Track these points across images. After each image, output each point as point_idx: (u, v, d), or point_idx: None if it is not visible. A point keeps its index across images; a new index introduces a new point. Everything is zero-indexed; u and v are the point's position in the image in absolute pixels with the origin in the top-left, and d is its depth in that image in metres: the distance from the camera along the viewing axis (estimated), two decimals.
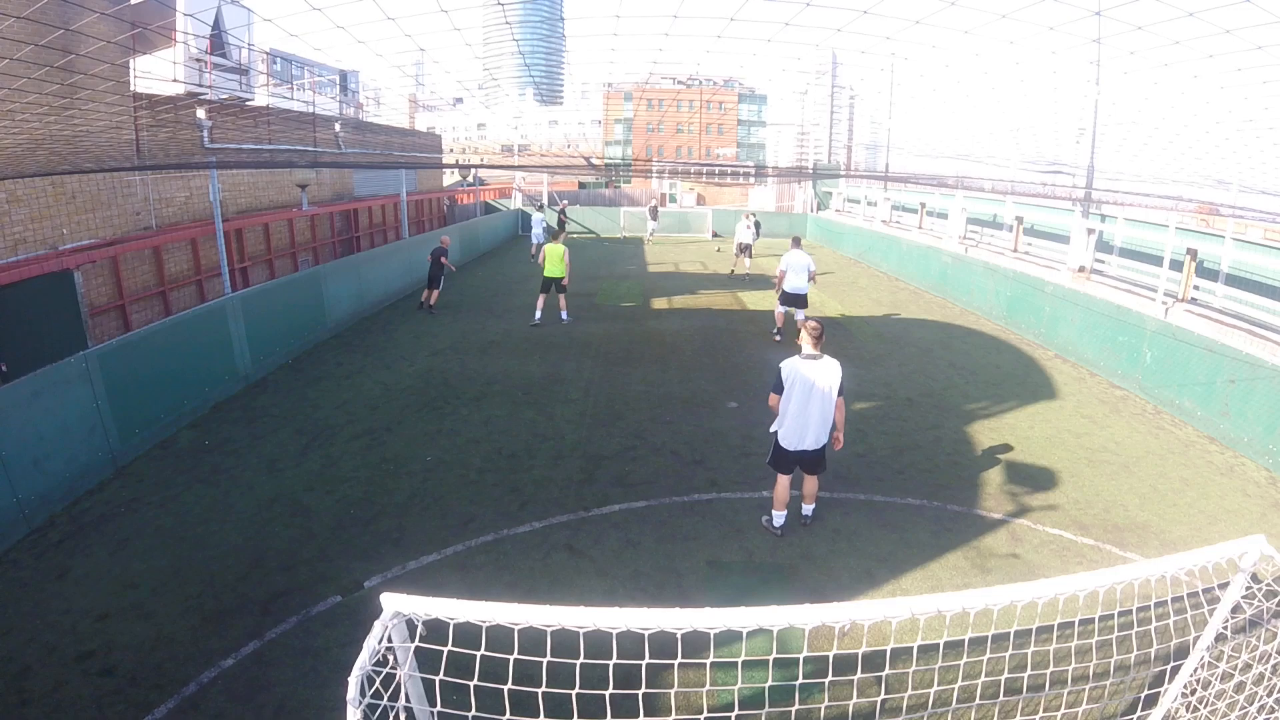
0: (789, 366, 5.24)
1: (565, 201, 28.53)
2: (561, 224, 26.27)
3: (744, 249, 18.57)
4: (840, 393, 5.31)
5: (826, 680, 2.87)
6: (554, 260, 12.51)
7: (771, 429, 5.47)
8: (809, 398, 5.20)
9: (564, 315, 13.01)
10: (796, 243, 11.48)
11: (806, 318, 5.26)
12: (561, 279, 12.61)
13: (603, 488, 6.44)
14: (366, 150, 20.03)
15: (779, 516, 5.64)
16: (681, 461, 7.01)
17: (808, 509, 5.76)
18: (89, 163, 9.64)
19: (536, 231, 21.92)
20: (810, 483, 5.65)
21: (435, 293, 14.01)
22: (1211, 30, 6.12)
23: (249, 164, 13.69)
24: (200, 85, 13.36)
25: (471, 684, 2.18)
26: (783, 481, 5.56)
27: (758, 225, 18.96)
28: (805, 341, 5.26)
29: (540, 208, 27.44)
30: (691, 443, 7.46)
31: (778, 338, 11.61)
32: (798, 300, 11.07)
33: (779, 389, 5.27)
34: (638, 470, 6.80)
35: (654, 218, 27.14)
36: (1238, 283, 9.72)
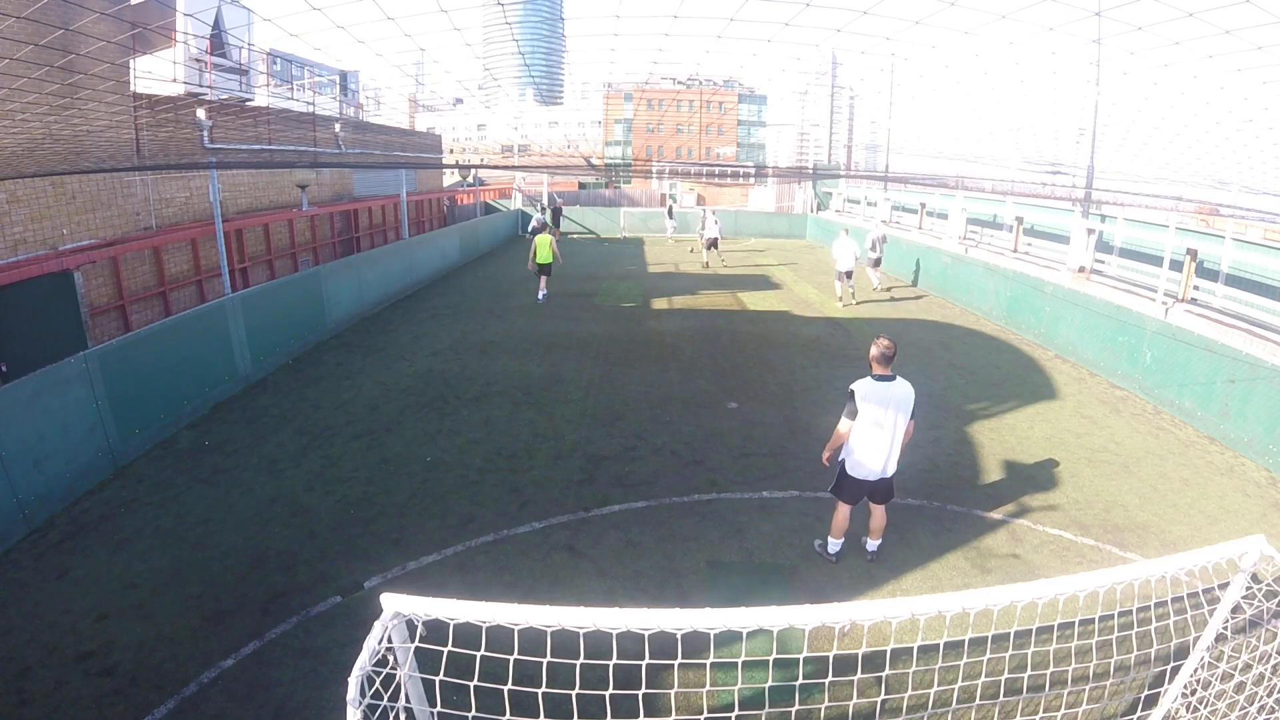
0: (863, 389, 4.74)
1: (561, 201, 29.98)
2: (557, 221, 26.95)
3: (711, 243, 19.65)
4: (911, 416, 4.85)
5: (826, 680, 2.88)
6: (544, 249, 14.74)
7: (839, 458, 5.04)
8: (883, 423, 4.73)
9: (543, 293, 14.86)
10: (846, 232, 14.76)
11: (879, 335, 5.08)
12: (551, 264, 14.90)
13: (603, 488, 6.44)
14: (366, 150, 20.03)
15: (835, 545, 5.23)
16: (681, 461, 7.01)
17: (874, 544, 5.26)
18: (89, 163, 9.64)
19: (534, 228, 22.57)
20: (878, 515, 5.14)
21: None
22: (1211, 30, 6.12)
23: (249, 164, 13.69)
24: (200, 85, 13.37)
25: (471, 684, 2.18)
26: (844, 510, 5.10)
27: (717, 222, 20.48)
28: (875, 363, 4.83)
29: (542, 209, 27.89)
30: (691, 443, 7.46)
31: (840, 305, 14.75)
32: (847, 275, 14.58)
33: (853, 414, 4.74)
34: (638, 470, 6.80)
35: (671, 216, 27.35)
36: (1238, 283, 9.72)
